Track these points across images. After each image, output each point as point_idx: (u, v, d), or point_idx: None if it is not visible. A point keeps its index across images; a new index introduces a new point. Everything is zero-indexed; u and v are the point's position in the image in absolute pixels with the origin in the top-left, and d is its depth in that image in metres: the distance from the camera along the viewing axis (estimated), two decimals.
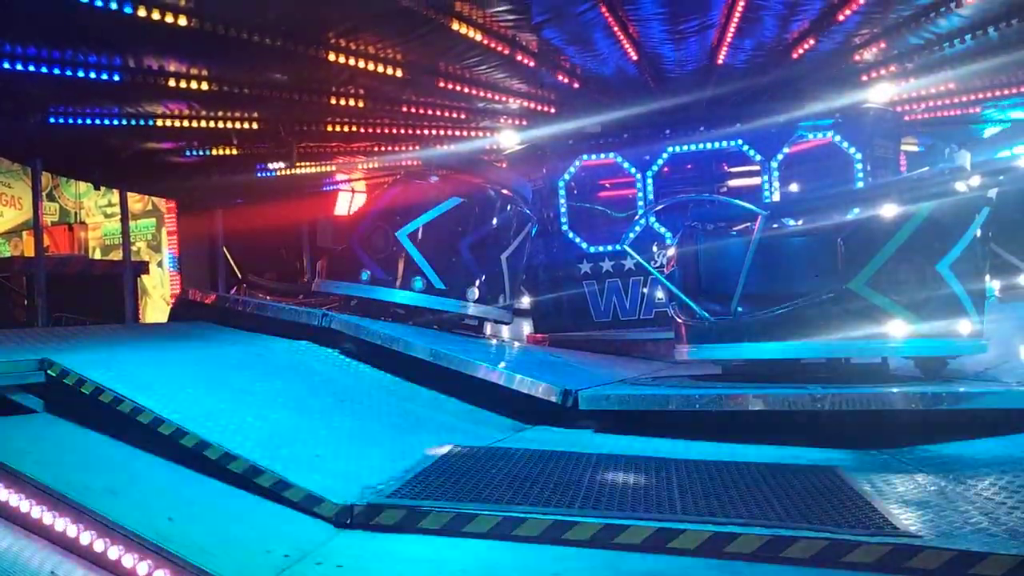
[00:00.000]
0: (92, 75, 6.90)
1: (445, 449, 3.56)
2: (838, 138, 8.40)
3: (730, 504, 2.72)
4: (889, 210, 4.59)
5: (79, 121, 8.26)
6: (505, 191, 6.94)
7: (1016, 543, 2.27)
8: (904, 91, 8.54)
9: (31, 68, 6.63)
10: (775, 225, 5.06)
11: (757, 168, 8.63)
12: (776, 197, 8.40)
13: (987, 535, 2.36)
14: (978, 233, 4.49)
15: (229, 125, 8.85)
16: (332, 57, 6.97)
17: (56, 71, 6.73)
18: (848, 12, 6.65)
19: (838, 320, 4.50)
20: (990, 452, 3.43)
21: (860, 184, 8.16)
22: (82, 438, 3.13)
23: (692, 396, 4.17)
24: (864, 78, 8.15)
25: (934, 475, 3.18)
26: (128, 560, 2.24)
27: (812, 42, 7.33)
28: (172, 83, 7.30)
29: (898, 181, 6.03)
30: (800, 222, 5.22)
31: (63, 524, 2.38)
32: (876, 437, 3.85)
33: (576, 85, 8.30)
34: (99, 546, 2.29)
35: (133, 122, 8.43)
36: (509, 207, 7.00)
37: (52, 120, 8.15)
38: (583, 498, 2.79)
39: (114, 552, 2.27)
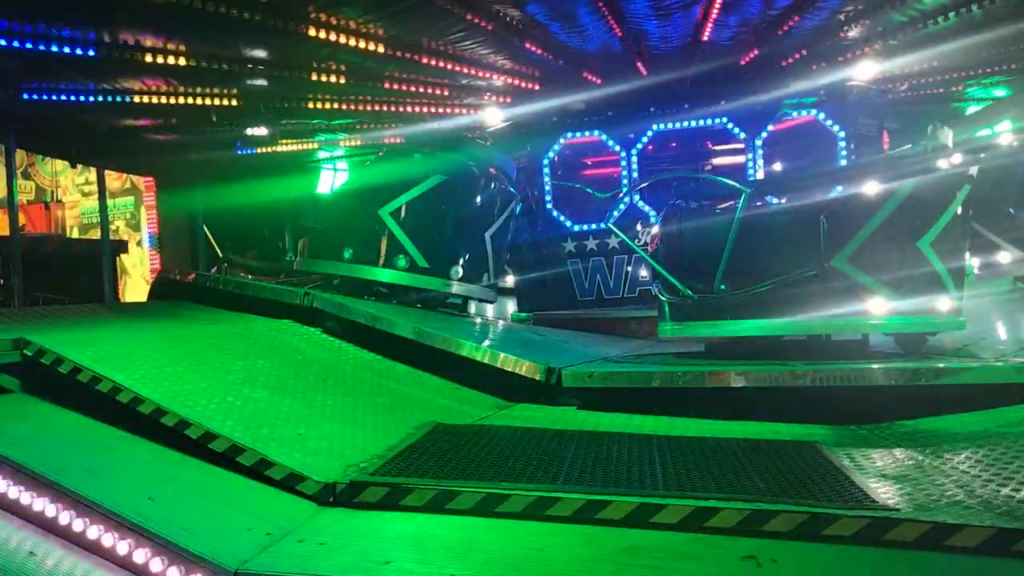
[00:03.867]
0: (66, 50, 6.74)
1: (429, 427, 3.56)
2: (822, 116, 8.42)
3: (711, 479, 2.74)
4: (871, 188, 4.61)
5: (53, 97, 8.10)
6: (489, 169, 6.89)
7: (990, 514, 2.31)
8: (888, 69, 8.55)
9: (2, 42, 6.47)
10: (758, 203, 5.06)
11: (741, 146, 8.64)
12: (760, 175, 8.42)
13: (963, 507, 2.40)
14: (959, 211, 4.51)
15: (208, 102, 8.71)
16: (313, 32, 6.86)
17: (28, 45, 6.57)
18: None
19: (820, 297, 4.53)
20: (967, 427, 3.48)
21: (843, 162, 8.19)
22: (60, 418, 3.10)
23: (675, 373, 4.20)
24: (848, 56, 8.15)
25: (912, 449, 3.23)
26: (108, 539, 2.22)
27: (797, 19, 7.30)
28: (149, 58, 7.15)
29: (880, 159, 6.05)
30: (783, 200, 5.23)
31: (41, 504, 2.35)
32: (856, 413, 3.89)
33: (560, 62, 8.23)
34: (78, 526, 2.27)
35: (110, 98, 8.27)
36: (493, 185, 6.96)
37: (25, 96, 7.98)
38: (566, 474, 2.80)
39: (94, 532, 2.25)
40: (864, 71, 8.36)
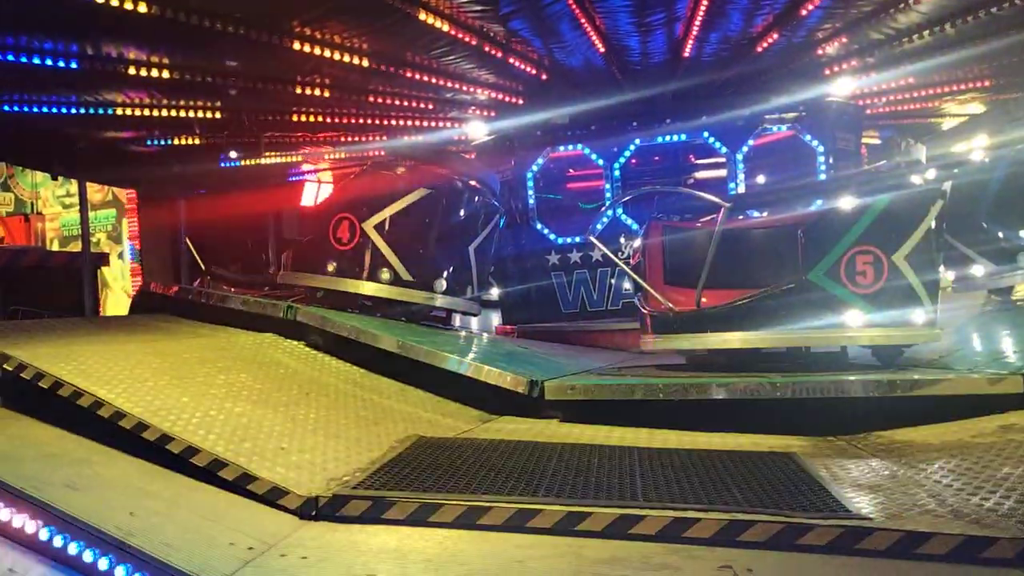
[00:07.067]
0: (48, 62, 6.74)
1: (412, 440, 3.58)
2: (801, 131, 8.56)
3: (690, 490, 2.78)
4: (848, 202, 4.70)
5: (35, 109, 8.07)
6: (473, 182, 6.93)
7: (959, 523, 2.36)
8: (865, 85, 8.72)
9: None
10: (739, 217, 5.15)
11: (723, 160, 8.75)
12: (741, 189, 8.53)
13: (934, 516, 2.45)
14: (933, 225, 4.61)
15: (191, 114, 8.71)
16: (297, 46, 6.90)
17: (10, 58, 6.56)
18: (811, 7, 6.78)
19: (798, 310, 4.60)
20: (941, 437, 3.54)
21: (822, 176, 8.32)
22: (40, 433, 3.08)
23: (656, 386, 4.24)
24: (827, 72, 8.32)
25: (887, 460, 3.28)
26: (88, 556, 2.22)
27: (776, 36, 7.45)
28: (132, 71, 7.16)
29: (857, 174, 6.15)
30: (763, 214, 5.32)
31: (21, 520, 2.34)
32: (834, 424, 3.95)
33: (544, 77, 8.33)
34: (58, 542, 2.27)
35: (92, 110, 8.25)
36: (477, 198, 7.00)
37: (6, 108, 7.94)
38: (547, 487, 2.83)
39: (74, 548, 2.24)
40: (842, 87, 8.52)
